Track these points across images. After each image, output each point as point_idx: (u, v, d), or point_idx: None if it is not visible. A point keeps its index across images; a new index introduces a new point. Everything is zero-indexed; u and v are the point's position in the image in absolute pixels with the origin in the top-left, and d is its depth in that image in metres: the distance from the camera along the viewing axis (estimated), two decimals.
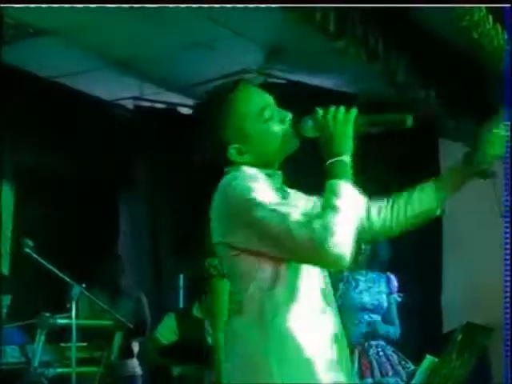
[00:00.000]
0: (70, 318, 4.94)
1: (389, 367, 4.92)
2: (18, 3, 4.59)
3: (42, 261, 4.98)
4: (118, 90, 6.87)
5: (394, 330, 5.13)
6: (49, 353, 5.13)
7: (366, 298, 5.09)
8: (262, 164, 2.43)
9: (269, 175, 2.41)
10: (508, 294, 4.69)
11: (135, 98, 7.11)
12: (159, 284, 7.24)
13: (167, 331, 5.72)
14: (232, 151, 2.39)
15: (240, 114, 2.41)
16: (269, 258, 2.27)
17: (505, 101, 4.71)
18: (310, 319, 2.31)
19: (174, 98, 7.04)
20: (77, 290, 4.96)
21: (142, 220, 7.34)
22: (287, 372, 2.25)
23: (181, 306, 7.10)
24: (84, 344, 5.34)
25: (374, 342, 5.02)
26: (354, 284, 5.11)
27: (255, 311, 2.29)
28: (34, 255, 4.97)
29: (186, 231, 6.61)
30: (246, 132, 2.40)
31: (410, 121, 2.43)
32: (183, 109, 7.25)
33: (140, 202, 7.31)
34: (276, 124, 2.44)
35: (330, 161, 2.31)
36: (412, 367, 4.92)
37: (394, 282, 5.21)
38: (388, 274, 5.25)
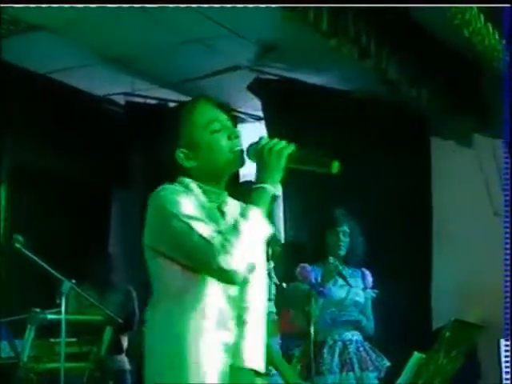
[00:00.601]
0: (59, 313, 4.94)
1: (369, 362, 4.96)
2: (18, 3, 4.62)
3: (33, 256, 4.98)
4: (110, 85, 6.87)
5: (369, 324, 5.15)
6: (38, 348, 5.13)
7: (344, 294, 5.11)
8: (206, 174, 2.62)
9: (206, 192, 2.62)
10: (508, 294, 4.71)
11: (127, 94, 7.10)
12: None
13: None
14: (180, 155, 2.62)
15: (191, 122, 2.64)
16: (180, 265, 2.50)
17: (504, 100, 4.74)
18: (207, 329, 2.48)
19: (167, 93, 7.03)
20: (67, 285, 4.95)
21: (133, 216, 7.31)
22: (175, 376, 2.44)
23: None
24: (73, 339, 5.34)
25: (353, 338, 5.05)
26: (333, 280, 5.12)
27: (161, 313, 2.52)
28: (24, 251, 4.97)
29: None
30: (194, 140, 2.62)
31: (335, 167, 2.57)
32: (176, 104, 7.25)
33: (132, 198, 7.29)
34: (223, 138, 2.61)
35: (254, 186, 2.51)
36: (387, 364, 4.96)
37: (369, 278, 5.22)
38: (363, 269, 5.25)
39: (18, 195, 6.49)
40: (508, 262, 4.77)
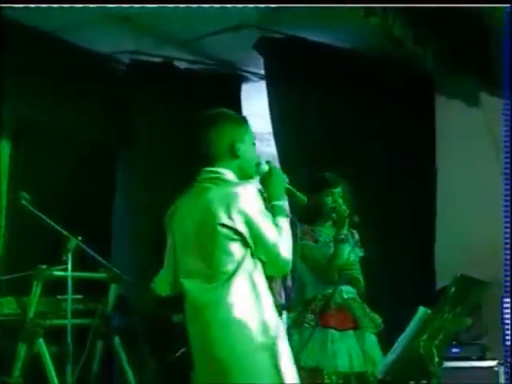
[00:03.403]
0: (66, 270, 4.98)
1: (368, 319, 4.96)
2: (18, 3, 4.61)
3: (39, 213, 5.00)
4: (115, 43, 6.82)
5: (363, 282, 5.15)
6: (45, 304, 5.17)
7: (347, 250, 5.09)
8: (242, 170, 3.41)
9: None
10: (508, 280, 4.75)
11: (133, 52, 7.05)
12: (158, 237, 7.24)
13: (163, 282, 5.74)
14: (237, 145, 3.36)
15: (246, 131, 3.44)
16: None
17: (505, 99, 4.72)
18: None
19: (172, 52, 7.00)
20: (73, 242, 4.98)
21: (138, 174, 7.29)
22: (274, 327, 3.22)
23: None
24: (80, 296, 5.38)
25: (355, 296, 5.04)
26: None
27: (246, 280, 3.22)
28: (31, 208, 5.00)
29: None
30: (244, 142, 3.40)
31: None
32: (181, 63, 7.21)
33: (136, 157, 7.26)
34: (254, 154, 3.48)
35: (274, 203, 3.37)
36: (380, 321, 4.96)
37: (356, 236, 5.16)
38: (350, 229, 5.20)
39: (22, 153, 6.49)
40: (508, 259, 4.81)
